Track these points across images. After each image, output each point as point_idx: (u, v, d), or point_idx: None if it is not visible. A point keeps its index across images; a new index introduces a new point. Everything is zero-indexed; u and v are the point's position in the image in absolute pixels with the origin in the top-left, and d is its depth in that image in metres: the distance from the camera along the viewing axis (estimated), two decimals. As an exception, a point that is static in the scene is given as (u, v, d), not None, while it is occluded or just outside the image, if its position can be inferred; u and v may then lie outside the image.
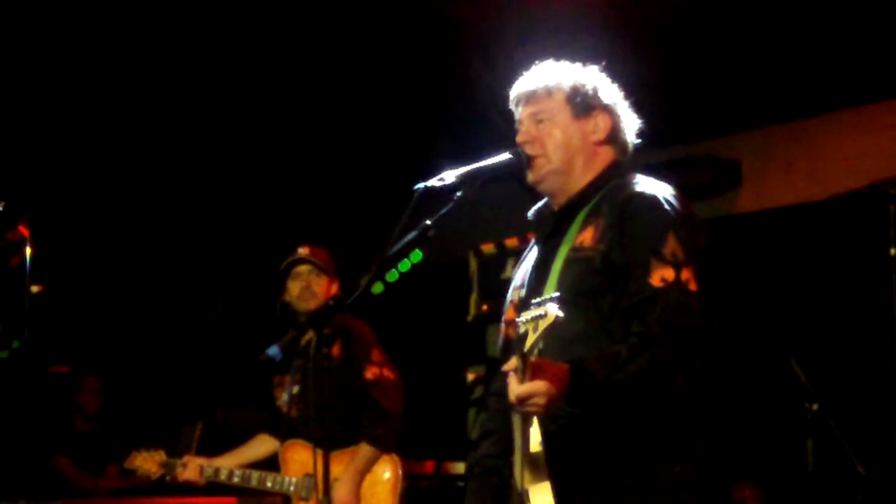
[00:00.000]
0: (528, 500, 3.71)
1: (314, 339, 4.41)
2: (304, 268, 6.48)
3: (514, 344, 3.65)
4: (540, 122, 4.20)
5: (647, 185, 4.09)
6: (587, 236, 3.99)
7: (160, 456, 6.60)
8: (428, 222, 3.97)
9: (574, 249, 4.00)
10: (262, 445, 6.71)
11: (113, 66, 8.61)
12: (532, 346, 3.57)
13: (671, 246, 3.86)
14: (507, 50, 7.19)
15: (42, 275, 8.08)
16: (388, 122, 9.51)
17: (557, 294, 3.70)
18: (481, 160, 4.17)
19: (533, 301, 3.69)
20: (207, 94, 9.16)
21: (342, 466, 6.15)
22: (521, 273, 4.31)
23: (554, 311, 3.55)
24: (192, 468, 6.50)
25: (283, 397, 6.58)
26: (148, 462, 6.60)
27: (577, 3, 7.61)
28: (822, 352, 7.92)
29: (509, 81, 4.35)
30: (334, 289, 6.44)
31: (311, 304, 6.36)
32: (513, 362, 3.63)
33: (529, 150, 4.17)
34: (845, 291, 8.29)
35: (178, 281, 12.02)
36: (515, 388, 3.59)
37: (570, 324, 3.79)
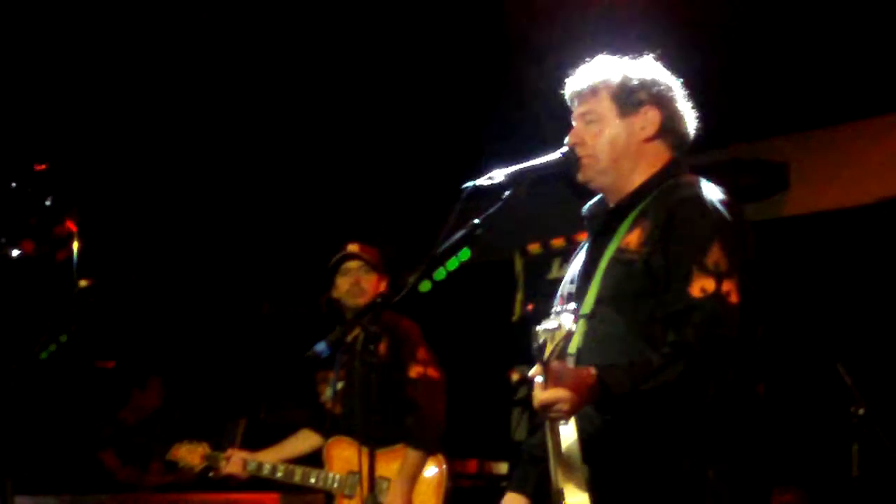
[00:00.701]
0: (564, 498, 3.73)
1: (361, 336, 4.40)
2: (354, 264, 6.48)
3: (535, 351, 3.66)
4: (589, 122, 4.21)
5: (699, 188, 4.07)
6: (633, 238, 3.99)
7: (203, 449, 6.61)
8: (476, 221, 3.98)
9: (619, 250, 3.99)
10: (305, 441, 6.71)
11: (164, 62, 8.65)
12: (550, 356, 3.59)
13: (715, 255, 3.83)
14: (556, 49, 7.18)
15: (90, 270, 8.15)
16: (439, 121, 9.51)
17: (595, 297, 3.80)
18: (530, 160, 4.18)
19: (554, 310, 3.69)
20: (260, 92, 9.18)
21: (388, 465, 6.14)
22: (573, 269, 4.30)
23: (567, 324, 3.57)
24: (235, 462, 6.50)
25: (328, 393, 6.58)
26: (191, 454, 6.62)
27: (627, 2, 7.60)
28: (869, 356, 7.88)
29: (558, 81, 4.36)
30: (383, 286, 6.44)
31: (360, 301, 6.36)
32: (536, 369, 3.67)
33: (579, 151, 4.18)
34: (892, 295, 8.25)
35: (225, 280, 12.05)
36: (539, 394, 3.63)
37: (608, 325, 3.89)
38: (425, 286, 8.11)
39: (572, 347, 3.86)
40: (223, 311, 12.15)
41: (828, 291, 8.64)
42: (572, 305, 3.70)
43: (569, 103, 4.31)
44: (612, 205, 4.21)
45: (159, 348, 11.37)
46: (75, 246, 9.01)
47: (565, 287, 4.27)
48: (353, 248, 6.54)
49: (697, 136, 4.34)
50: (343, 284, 6.49)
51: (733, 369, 3.76)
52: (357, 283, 6.45)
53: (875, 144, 8.84)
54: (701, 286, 3.78)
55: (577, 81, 4.29)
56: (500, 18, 7.98)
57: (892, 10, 7.51)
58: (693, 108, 4.39)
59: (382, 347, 6.26)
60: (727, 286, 3.79)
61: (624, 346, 3.85)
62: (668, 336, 3.78)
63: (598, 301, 3.97)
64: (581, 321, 3.93)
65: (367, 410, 5.75)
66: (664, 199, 4.04)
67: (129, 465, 9.79)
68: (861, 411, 6.49)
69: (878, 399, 6.77)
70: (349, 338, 6.41)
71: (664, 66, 4.36)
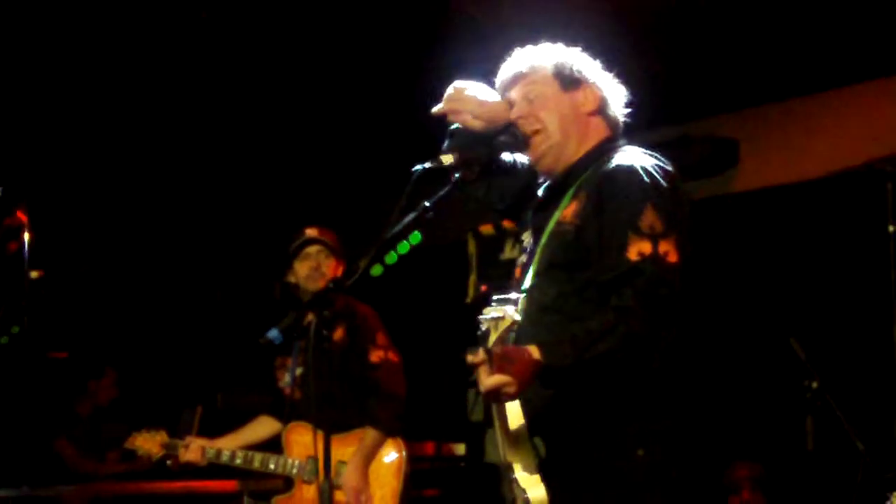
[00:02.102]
0: (513, 471, 3.81)
1: (314, 321, 4.41)
2: (313, 248, 6.46)
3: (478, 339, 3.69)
4: (532, 100, 4.22)
5: (628, 156, 4.10)
6: (570, 210, 4.03)
7: (162, 437, 6.58)
8: (426, 204, 3.98)
9: (558, 223, 4.04)
10: (264, 427, 6.70)
11: (112, 52, 8.59)
12: (494, 344, 3.67)
13: (649, 218, 3.85)
14: (503, 31, 7.18)
15: (41, 261, 8.09)
16: (388, 103, 9.49)
17: (535, 271, 3.92)
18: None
19: (494, 298, 3.72)
20: (206, 80, 9.14)
21: (347, 449, 6.14)
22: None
23: (511, 314, 3.66)
24: (193, 449, 6.48)
25: (286, 379, 6.56)
26: (149, 442, 6.59)
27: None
28: (822, 330, 7.93)
29: (503, 59, 4.36)
30: (341, 271, 6.43)
31: (320, 285, 6.33)
32: (479, 356, 3.70)
33: (526, 127, 4.20)
34: (844, 269, 8.30)
35: (178, 268, 12.02)
36: (485, 381, 3.67)
37: (542, 293, 3.96)
38: (377, 270, 8.12)
39: None
40: (176, 299, 12.12)
41: (779, 267, 8.69)
42: (514, 295, 3.73)
43: (502, 91, 4.32)
44: (552, 183, 4.24)
45: (113, 338, 11.34)
46: (26, 237, 8.96)
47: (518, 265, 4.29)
48: (312, 232, 6.51)
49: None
50: (302, 269, 6.46)
51: (674, 329, 3.80)
52: (317, 267, 6.42)
53: (824, 119, 8.89)
54: (638, 249, 3.81)
55: (513, 65, 4.31)
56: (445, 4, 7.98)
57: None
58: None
59: (340, 333, 6.26)
60: (664, 247, 3.82)
61: (559, 313, 3.92)
62: (610, 301, 3.80)
63: (536, 274, 4.03)
64: (522, 296, 3.98)
65: (321, 396, 5.75)
66: (599, 170, 4.07)
67: (85, 455, 9.76)
68: (815, 385, 6.54)
69: (831, 372, 6.82)
70: (306, 323, 6.41)
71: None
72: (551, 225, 4.06)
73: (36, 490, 8.37)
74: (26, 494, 8.23)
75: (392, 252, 7.69)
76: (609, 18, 7.60)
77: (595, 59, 4.36)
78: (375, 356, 6.29)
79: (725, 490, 7.18)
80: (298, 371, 6.45)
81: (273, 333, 6.10)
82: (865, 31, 7.96)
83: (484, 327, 3.69)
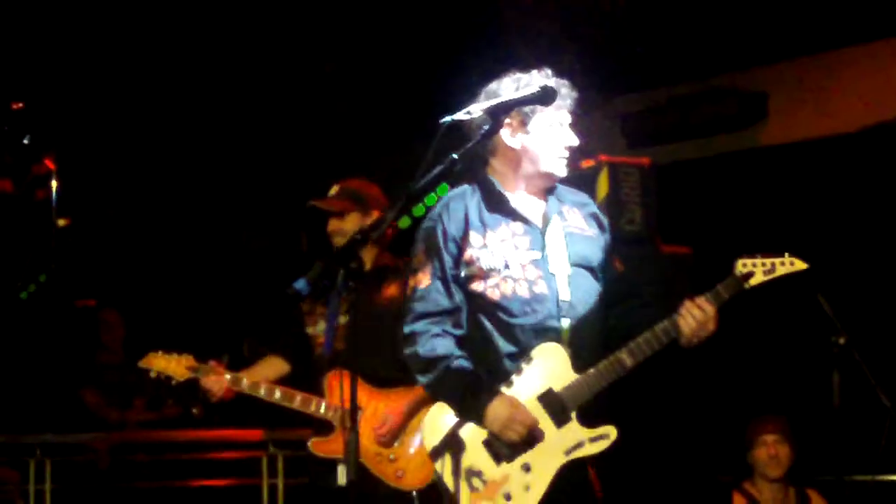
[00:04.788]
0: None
1: (342, 274, 4.40)
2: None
3: None
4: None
5: None
6: None
7: (188, 360, 6.32)
8: (454, 156, 3.98)
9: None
10: (272, 367, 6.56)
11: (143, 7, 8.58)
12: None
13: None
14: None
15: (68, 209, 8.11)
16: (414, 54, 9.47)
17: None
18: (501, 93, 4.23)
19: None
20: (233, 37, 9.13)
21: (392, 404, 6.10)
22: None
23: None
24: (219, 377, 6.26)
25: (319, 326, 6.47)
26: (172, 364, 6.33)
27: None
28: (850, 285, 7.89)
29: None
30: (370, 221, 6.33)
31: (343, 241, 6.28)
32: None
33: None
34: (873, 225, 8.26)
35: (204, 214, 12.01)
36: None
37: None
38: (405, 222, 8.08)
39: None
40: (203, 245, 12.12)
41: (807, 221, 8.65)
42: None
43: (563, 100, 4.44)
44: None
45: (140, 286, 11.35)
46: (53, 185, 8.97)
47: None
48: (333, 189, 6.46)
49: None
50: (329, 224, 6.42)
51: None
52: (337, 230, 6.38)
53: (854, 73, 8.82)
54: None
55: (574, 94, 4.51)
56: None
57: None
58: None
59: (393, 290, 6.21)
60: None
61: None
62: None
63: None
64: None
65: (357, 347, 5.71)
66: None
67: (111, 403, 9.79)
68: (842, 341, 6.51)
69: (858, 329, 6.79)
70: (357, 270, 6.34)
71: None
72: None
73: (61, 437, 8.42)
74: (51, 441, 8.27)
75: (420, 204, 7.64)
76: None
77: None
78: None
79: (750, 444, 7.15)
80: (342, 320, 6.36)
81: (300, 284, 6.05)
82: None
83: None
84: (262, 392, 6.18)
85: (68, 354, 9.87)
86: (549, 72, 4.43)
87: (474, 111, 4.13)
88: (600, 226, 4.65)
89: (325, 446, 6.18)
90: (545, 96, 4.22)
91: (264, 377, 6.37)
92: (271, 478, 8.40)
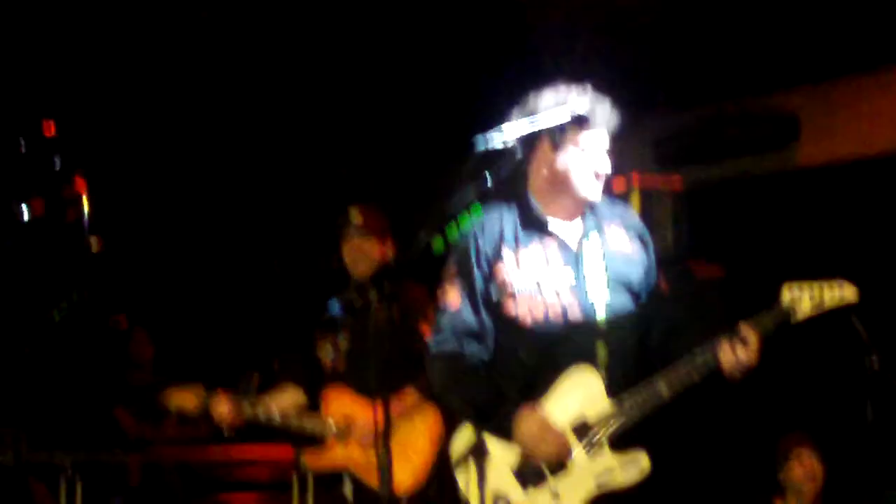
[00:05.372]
0: None
1: (374, 296, 4.42)
2: (354, 232, 6.44)
3: None
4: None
5: None
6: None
7: (197, 392, 6.49)
8: (488, 177, 3.99)
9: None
10: (288, 396, 6.64)
11: (172, 23, 8.61)
12: None
13: None
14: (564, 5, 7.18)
15: (101, 229, 8.14)
16: (443, 76, 9.48)
17: None
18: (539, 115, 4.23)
19: None
20: (266, 49, 9.15)
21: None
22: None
23: None
24: (225, 402, 6.38)
25: (328, 351, 6.52)
26: (183, 398, 6.51)
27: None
28: (885, 307, 7.86)
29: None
30: (388, 249, 6.41)
31: (361, 268, 6.33)
32: None
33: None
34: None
35: (236, 237, 12.03)
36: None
37: None
38: (439, 245, 8.10)
39: None
40: (235, 268, 12.14)
41: (841, 244, 8.62)
42: None
43: (596, 117, 4.40)
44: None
45: (172, 306, 11.38)
46: (85, 205, 9.01)
47: None
48: (354, 214, 6.49)
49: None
50: (347, 254, 6.45)
51: None
52: (359, 250, 6.41)
53: (887, 95, 8.80)
54: None
55: (612, 114, 4.46)
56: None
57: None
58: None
59: (396, 309, 6.25)
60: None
61: None
62: None
63: None
64: None
65: (381, 364, 5.72)
66: None
67: (143, 421, 9.82)
68: (876, 362, 6.49)
69: (893, 351, 6.76)
70: (356, 302, 6.41)
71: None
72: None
73: (93, 455, 8.44)
74: (84, 459, 8.30)
75: (453, 225, 7.66)
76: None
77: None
78: (427, 329, 6.24)
79: (784, 461, 7.13)
80: (343, 345, 6.43)
81: (334, 307, 6.12)
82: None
83: None
84: (262, 417, 6.29)
85: (101, 374, 9.91)
86: (589, 89, 4.40)
87: (507, 132, 4.11)
88: (644, 243, 4.57)
89: (319, 460, 6.26)
90: (578, 121, 4.22)
91: (277, 404, 6.44)
92: (302, 494, 8.41)
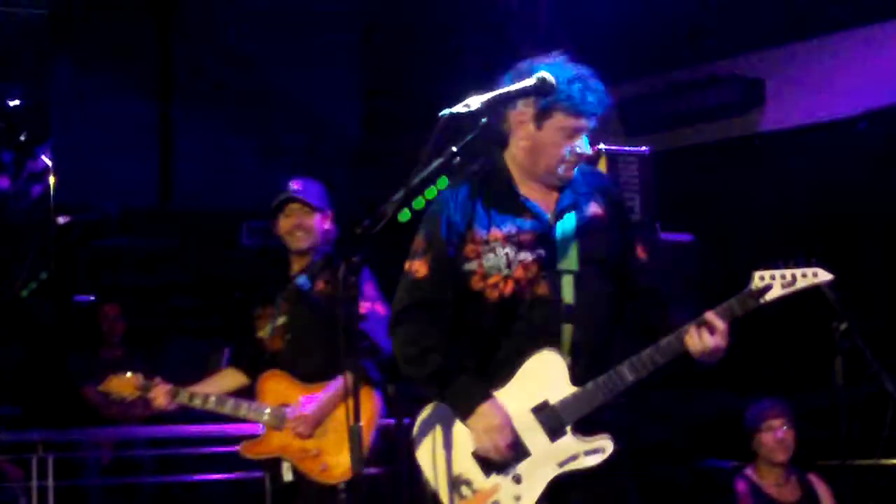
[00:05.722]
0: None
1: (314, 269, 4.39)
2: (295, 206, 6.41)
3: None
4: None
5: None
6: None
7: (137, 379, 6.50)
8: (454, 149, 3.97)
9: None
10: (228, 380, 6.60)
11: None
12: None
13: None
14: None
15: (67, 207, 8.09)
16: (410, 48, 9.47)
17: None
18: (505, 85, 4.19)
19: None
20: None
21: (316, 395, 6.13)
22: None
23: None
24: (162, 392, 6.38)
25: (267, 329, 6.49)
26: (123, 385, 6.51)
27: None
28: (850, 271, 7.89)
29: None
30: (327, 224, 6.39)
31: (302, 242, 6.32)
32: None
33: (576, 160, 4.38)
34: (873, 210, 8.25)
35: (203, 206, 11.99)
36: None
37: None
38: (405, 216, 8.08)
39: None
40: (204, 239, 12.11)
41: (806, 207, 8.64)
42: None
43: (582, 109, 4.31)
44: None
45: (136, 280, 11.34)
46: (52, 181, 8.96)
47: None
48: (294, 186, 6.45)
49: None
50: (284, 226, 6.42)
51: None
52: (298, 225, 6.38)
53: (852, 57, 8.79)
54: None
55: (601, 100, 4.35)
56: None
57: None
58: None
59: (323, 283, 6.22)
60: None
61: None
62: None
63: None
64: None
65: (337, 345, 5.70)
66: None
67: (112, 399, 9.79)
68: (843, 327, 6.51)
69: (860, 315, 6.79)
70: (292, 274, 6.39)
71: None
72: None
73: (63, 433, 8.42)
74: (54, 438, 8.27)
75: (419, 198, 7.65)
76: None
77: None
78: (363, 307, 6.19)
79: (755, 429, 7.15)
80: (280, 321, 6.40)
81: (301, 280, 6.08)
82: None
83: None
84: (197, 402, 6.31)
85: (69, 351, 9.87)
86: (580, 74, 4.30)
87: (472, 103, 4.05)
88: (622, 212, 4.51)
89: (255, 448, 6.25)
90: (542, 89, 4.17)
91: (220, 390, 6.42)
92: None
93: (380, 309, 6.18)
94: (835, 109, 8.65)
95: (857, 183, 8.39)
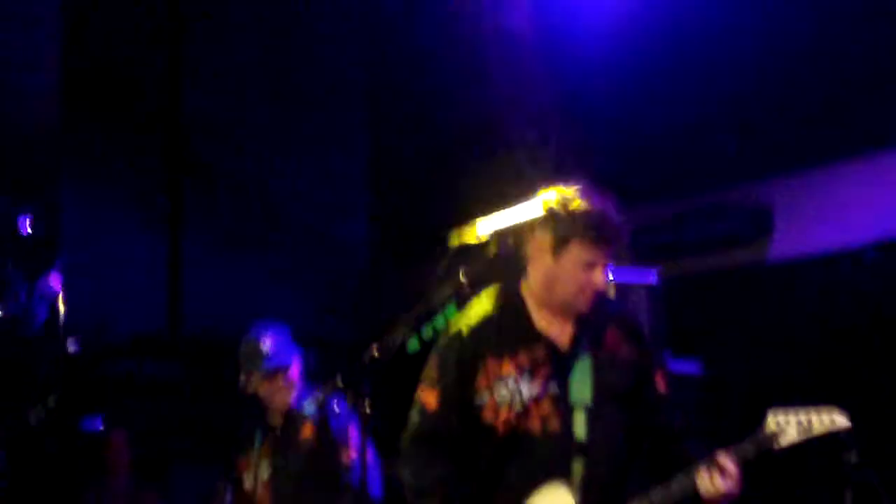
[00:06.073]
0: None
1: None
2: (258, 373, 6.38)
3: None
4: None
5: None
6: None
7: None
8: (462, 279, 3.97)
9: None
10: None
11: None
12: None
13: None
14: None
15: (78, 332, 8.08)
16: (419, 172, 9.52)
17: None
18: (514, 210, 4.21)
19: None
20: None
21: None
22: None
23: None
24: None
25: (250, 480, 6.42)
26: None
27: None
28: (861, 401, 7.85)
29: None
30: (295, 371, 6.34)
31: (275, 403, 6.30)
32: None
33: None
34: (881, 341, 8.21)
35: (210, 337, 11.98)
36: None
37: None
38: (414, 345, 8.07)
39: None
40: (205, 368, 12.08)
41: (815, 336, 8.61)
42: None
43: (601, 242, 4.31)
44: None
45: (144, 407, 11.29)
46: (61, 304, 8.97)
47: None
48: (262, 347, 6.40)
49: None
50: (257, 386, 6.38)
51: None
52: (269, 389, 6.34)
53: (861, 187, 8.81)
54: None
55: (620, 231, 4.38)
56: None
57: (871, 55, 7.54)
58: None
59: (309, 430, 6.16)
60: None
61: None
62: None
63: None
64: None
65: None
66: None
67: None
68: (853, 458, 6.46)
69: (871, 445, 6.75)
70: (276, 423, 6.33)
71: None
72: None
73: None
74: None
75: (428, 327, 7.64)
76: (646, 81, 7.62)
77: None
78: (346, 456, 6.10)
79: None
80: (266, 474, 6.33)
81: (309, 407, 6.05)
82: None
83: None
84: None
85: (77, 479, 9.80)
86: (600, 207, 4.32)
87: (483, 231, 4.07)
88: (641, 343, 4.44)
89: None
90: (557, 218, 4.17)
91: None
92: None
93: (369, 455, 6.05)
94: (844, 239, 8.64)
95: (866, 314, 8.36)
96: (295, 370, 6.36)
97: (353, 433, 6.13)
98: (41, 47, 9.27)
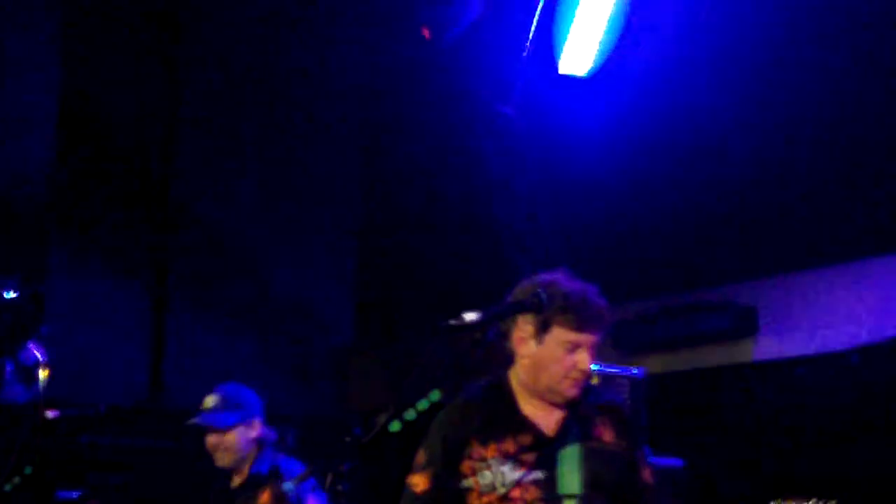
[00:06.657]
0: None
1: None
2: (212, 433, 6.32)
3: None
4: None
5: None
6: None
7: None
8: (447, 363, 3.97)
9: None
10: None
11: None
12: None
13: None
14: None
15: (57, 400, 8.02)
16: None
17: None
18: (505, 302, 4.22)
19: None
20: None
21: None
22: None
23: None
24: None
25: None
26: None
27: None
28: (845, 498, 7.83)
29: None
30: (254, 432, 6.25)
31: (226, 461, 6.21)
32: None
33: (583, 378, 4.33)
34: (864, 443, 8.22)
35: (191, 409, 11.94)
36: None
37: None
38: (395, 426, 8.06)
39: None
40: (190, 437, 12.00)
41: (797, 436, 8.61)
42: None
43: (583, 323, 4.31)
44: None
45: (122, 476, 11.23)
46: (41, 375, 8.93)
47: None
48: (209, 403, 6.34)
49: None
50: (208, 443, 6.32)
51: None
52: (216, 446, 6.27)
53: (845, 291, 8.85)
54: None
55: (602, 314, 4.38)
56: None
57: (856, 163, 7.61)
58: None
59: (267, 497, 6.09)
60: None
61: None
62: None
63: None
64: None
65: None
66: None
67: None
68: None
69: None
70: (235, 485, 6.25)
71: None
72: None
73: None
74: None
75: (411, 409, 7.64)
76: (634, 186, 7.66)
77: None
78: None
79: None
80: None
81: (288, 486, 5.98)
82: (887, 205, 7.99)
83: None
84: None
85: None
86: (580, 289, 4.33)
87: (470, 317, 4.07)
88: (629, 434, 4.42)
89: None
90: (535, 306, 4.18)
91: None
92: None
93: None
94: (828, 342, 8.67)
95: (849, 416, 8.37)
96: (247, 430, 6.23)
97: None
98: (36, 107, 9.30)
